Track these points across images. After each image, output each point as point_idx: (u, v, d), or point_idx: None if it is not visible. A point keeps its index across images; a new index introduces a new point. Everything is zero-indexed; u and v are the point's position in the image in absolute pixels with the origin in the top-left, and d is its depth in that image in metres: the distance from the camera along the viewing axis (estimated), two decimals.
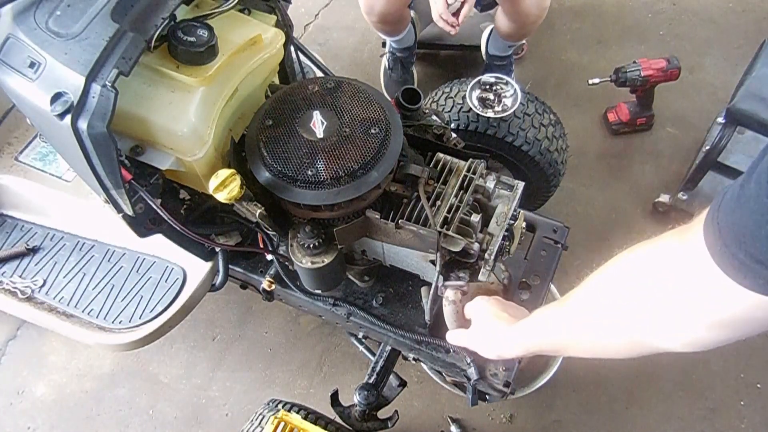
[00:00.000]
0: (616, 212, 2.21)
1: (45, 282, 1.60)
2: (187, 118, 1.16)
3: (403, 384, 1.55)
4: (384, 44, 2.43)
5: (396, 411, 1.52)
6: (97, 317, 1.52)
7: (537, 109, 1.74)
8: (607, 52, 2.59)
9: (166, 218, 1.19)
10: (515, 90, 1.68)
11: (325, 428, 1.37)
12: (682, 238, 0.67)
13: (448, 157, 1.25)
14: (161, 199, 1.27)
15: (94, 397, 1.98)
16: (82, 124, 1.02)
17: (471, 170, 1.21)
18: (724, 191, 0.61)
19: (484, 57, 2.40)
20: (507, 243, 1.25)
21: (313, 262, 1.21)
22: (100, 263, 1.60)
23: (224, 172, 1.12)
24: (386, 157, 1.15)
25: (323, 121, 1.17)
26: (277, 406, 1.43)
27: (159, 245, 1.40)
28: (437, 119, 1.38)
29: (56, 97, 1.03)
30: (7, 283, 1.61)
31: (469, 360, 1.31)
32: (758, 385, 1.88)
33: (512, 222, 1.23)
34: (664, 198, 2.12)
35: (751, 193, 0.56)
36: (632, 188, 2.26)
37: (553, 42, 2.63)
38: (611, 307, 0.79)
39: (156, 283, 1.52)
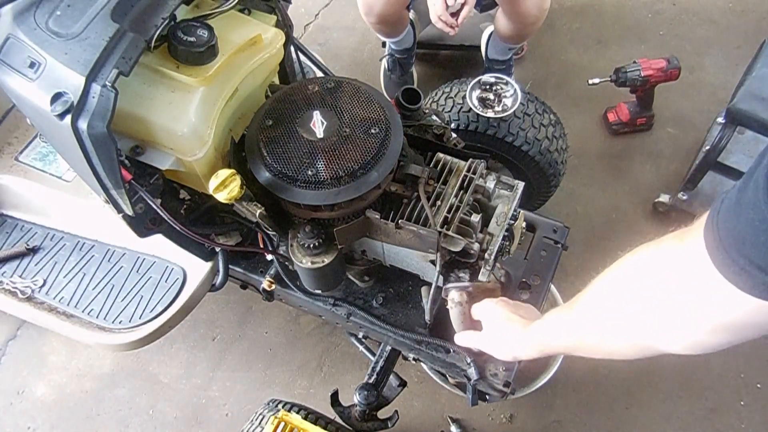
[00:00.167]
0: (616, 212, 2.21)
1: (45, 282, 1.60)
2: (187, 118, 1.16)
3: (403, 384, 1.55)
4: (383, 45, 2.43)
5: (396, 411, 1.52)
6: (97, 317, 1.52)
7: (537, 109, 1.74)
8: (607, 52, 2.59)
9: (166, 218, 1.19)
10: (515, 90, 1.68)
11: (325, 428, 1.37)
12: (683, 242, 0.67)
13: (448, 157, 1.25)
14: (161, 199, 1.27)
15: (94, 397, 1.98)
16: (82, 124, 1.02)
17: (471, 170, 1.21)
18: (723, 196, 0.61)
19: (484, 60, 2.40)
20: (507, 243, 1.25)
21: (313, 262, 1.21)
22: (100, 263, 1.60)
23: (224, 172, 1.12)
24: (386, 157, 1.15)
25: (323, 121, 1.17)
26: (277, 406, 1.43)
27: (159, 245, 1.41)
28: (437, 119, 1.38)
29: (56, 97, 1.03)
30: (7, 283, 1.61)
31: (469, 360, 1.31)
32: (758, 385, 1.88)
33: (512, 222, 1.23)
34: (664, 198, 2.12)
35: (749, 199, 0.56)
36: (632, 188, 2.26)
37: (553, 42, 2.63)
38: (615, 310, 0.80)
39: (156, 283, 1.52)
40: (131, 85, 1.12)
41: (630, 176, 2.29)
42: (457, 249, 1.16)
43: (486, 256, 1.18)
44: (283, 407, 1.41)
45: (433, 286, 1.25)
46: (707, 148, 1.95)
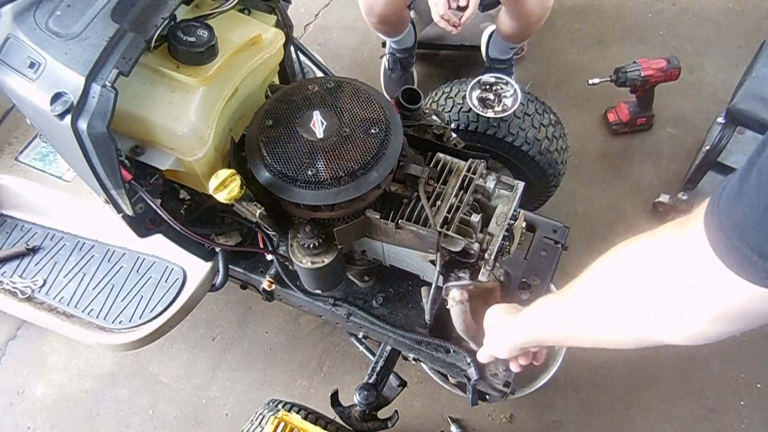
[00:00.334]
0: (616, 212, 2.21)
1: (45, 282, 1.60)
2: (187, 118, 1.16)
3: (403, 384, 1.55)
4: (384, 45, 2.43)
5: (396, 411, 1.52)
6: (97, 317, 1.52)
7: (537, 109, 1.74)
8: (607, 52, 2.59)
9: (166, 218, 1.19)
10: (515, 90, 1.68)
11: (325, 428, 1.37)
12: (682, 231, 0.66)
13: (448, 157, 1.25)
14: (161, 199, 1.27)
15: (94, 397, 1.98)
16: (82, 124, 1.02)
17: (471, 170, 1.21)
18: (723, 184, 0.60)
19: (484, 60, 2.40)
20: (507, 243, 1.25)
21: (313, 262, 1.21)
22: (100, 263, 1.60)
23: (224, 172, 1.12)
24: (386, 157, 1.15)
25: (323, 121, 1.17)
26: (277, 406, 1.43)
27: (159, 245, 1.40)
28: (437, 119, 1.38)
29: (56, 97, 1.03)
30: (7, 283, 1.61)
31: (469, 360, 1.31)
32: (758, 385, 1.88)
33: (512, 222, 1.23)
34: (664, 198, 2.12)
35: (751, 186, 0.56)
36: (632, 188, 2.26)
37: (553, 42, 2.63)
38: (610, 300, 0.79)
39: (156, 283, 1.52)
40: (131, 85, 1.12)
41: (630, 176, 2.29)
42: (457, 249, 1.16)
43: (486, 256, 1.18)
44: (283, 407, 1.41)
45: (433, 286, 1.25)
46: (707, 148, 1.95)
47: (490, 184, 1.22)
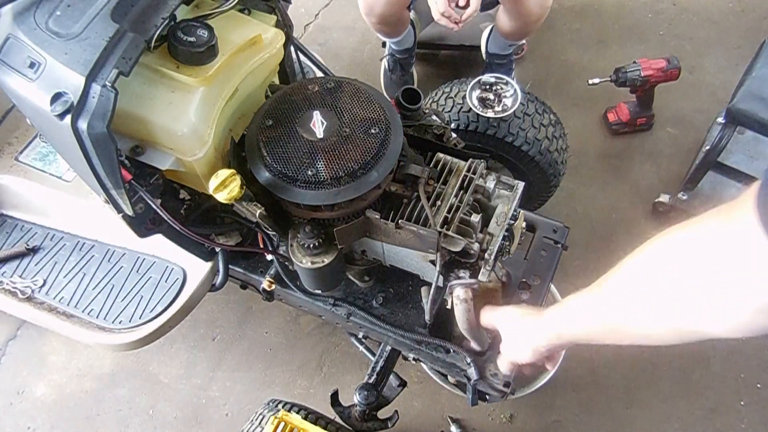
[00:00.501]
0: (616, 212, 2.21)
1: (45, 282, 1.60)
2: (187, 118, 1.16)
3: (403, 384, 1.55)
4: (384, 45, 2.43)
5: (396, 411, 1.52)
6: (97, 317, 1.52)
7: (537, 109, 1.74)
8: (607, 52, 2.59)
9: (166, 218, 1.19)
10: (515, 90, 1.68)
11: (325, 428, 1.37)
12: (730, 217, 0.63)
13: (448, 157, 1.25)
14: (161, 199, 1.27)
15: (94, 397, 1.98)
16: (82, 124, 1.02)
17: (471, 170, 1.21)
18: None
19: (484, 56, 2.40)
20: (507, 243, 1.25)
21: (313, 262, 1.21)
22: (100, 263, 1.60)
23: (224, 172, 1.12)
24: (386, 157, 1.15)
25: (323, 121, 1.17)
26: (277, 406, 1.43)
27: (159, 245, 1.40)
28: (437, 119, 1.38)
29: (56, 97, 1.03)
30: (7, 283, 1.61)
31: (469, 360, 1.31)
32: (758, 385, 1.88)
33: (512, 222, 1.23)
34: (664, 198, 2.12)
35: None
36: (632, 188, 2.26)
37: (553, 42, 2.63)
38: (652, 292, 0.75)
39: (156, 283, 1.52)
40: (131, 85, 1.12)
41: (630, 176, 2.29)
42: (457, 249, 1.16)
43: (486, 256, 1.18)
44: (283, 407, 1.41)
45: (433, 286, 1.25)
46: (707, 148, 1.95)
47: (490, 184, 1.22)
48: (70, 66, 1.03)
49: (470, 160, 1.23)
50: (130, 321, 1.49)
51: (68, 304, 1.55)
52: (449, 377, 1.70)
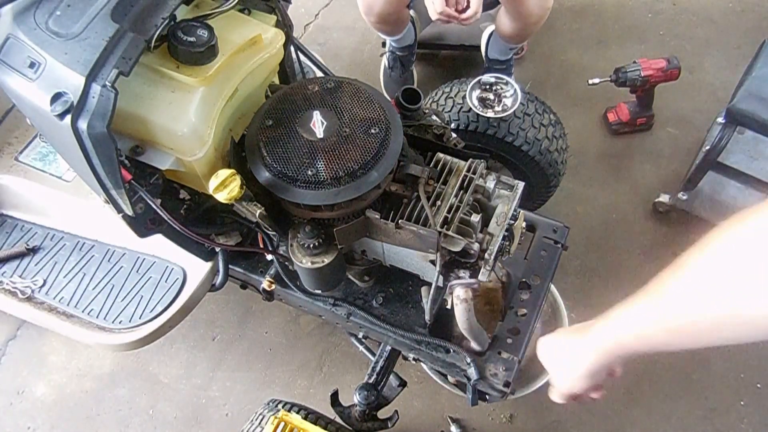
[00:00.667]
0: (616, 212, 2.21)
1: (45, 282, 1.60)
2: (187, 118, 1.16)
3: (403, 384, 1.55)
4: (384, 44, 2.43)
5: (396, 411, 1.52)
6: (97, 317, 1.52)
7: (537, 109, 1.74)
8: (607, 52, 2.59)
9: (166, 218, 1.19)
10: (515, 90, 1.68)
11: (325, 428, 1.37)
12: None
13: (448, 157, 1.25)
14: (161, 199, 1.27)
15: (94, 397, 1.98)
16: (82, 124, 1.02)
17: (471, 170, 1.21)
18: None
19: (484, 61, 2.40)
20: (507, 243, 1.25)
21: (313, 262, 1.21)
22: (100, 263, 1.60)
23: (224, 172, 1.12)
24: (386, 157, 1.15)
25: (323, 121, 1.17)
26: (277, 406, 1.43)
27: (159, 245, 1.40)
28: (437, 119, 1.38)
29: (56, 97, 1.03)
30: (7, 283, 1.61)
31: (469, 360, 1.31)
32: (758, 385, 1.88)
33: (512, 222, 1.23)
34: (664, 198, 2.12)
35: None
36: (632, 188, 2.26)
37: (553, 42, 2.63)
38: (731, 289, 0.68)
39: (156, 283, 1.52)
40: (131, 85, 1.12)
41: (630, 176, 2.29)
42: (457, 249, 1.16)
43: (486, 256, 1.18)
44: (283, 407, 1.41)
45: (433, 286, 1.25)
46: (707, 148, 1.95)
47: (490, 184, 1.22)
48: (70, 66, 1.03)
49: (470, 160, 1.23)
50: (130, 321, 1.49)
51: (68, 304, 1.55)
52: (449, 377, 1.70)
